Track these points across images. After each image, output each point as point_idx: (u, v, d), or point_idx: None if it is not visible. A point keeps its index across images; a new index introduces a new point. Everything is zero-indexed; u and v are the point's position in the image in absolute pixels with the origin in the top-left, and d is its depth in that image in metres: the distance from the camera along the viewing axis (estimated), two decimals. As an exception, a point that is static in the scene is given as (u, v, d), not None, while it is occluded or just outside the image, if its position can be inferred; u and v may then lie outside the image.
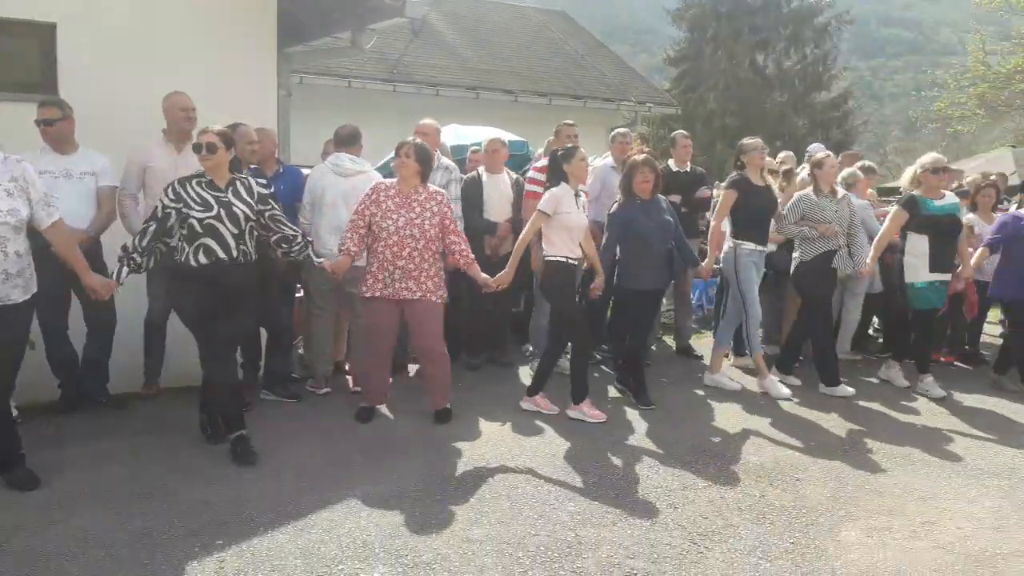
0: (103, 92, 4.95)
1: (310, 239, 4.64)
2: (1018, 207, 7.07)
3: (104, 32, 5.10)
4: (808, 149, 7.63)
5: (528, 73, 14.12)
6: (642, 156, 5.36)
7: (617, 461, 4.33)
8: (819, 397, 5.73)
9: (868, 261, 5.88)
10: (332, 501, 3.68)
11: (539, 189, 5.81)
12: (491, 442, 4.59)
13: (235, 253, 4.14)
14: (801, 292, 6.04)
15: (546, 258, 5.04)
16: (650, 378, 5.82)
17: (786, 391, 5.70)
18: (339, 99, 11.42)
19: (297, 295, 5.82)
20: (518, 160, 7.35)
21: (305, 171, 5.74)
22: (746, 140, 5.93)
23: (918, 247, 5.77)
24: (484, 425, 4.88)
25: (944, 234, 5.77)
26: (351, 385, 5.60)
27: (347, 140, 5.42)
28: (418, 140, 4.85)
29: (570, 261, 5.02)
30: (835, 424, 5.13)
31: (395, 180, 4.80)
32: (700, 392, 5.83)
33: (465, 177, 6.10)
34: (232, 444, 4.19)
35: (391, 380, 5.21)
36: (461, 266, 4.89)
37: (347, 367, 5.79)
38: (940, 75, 24.74)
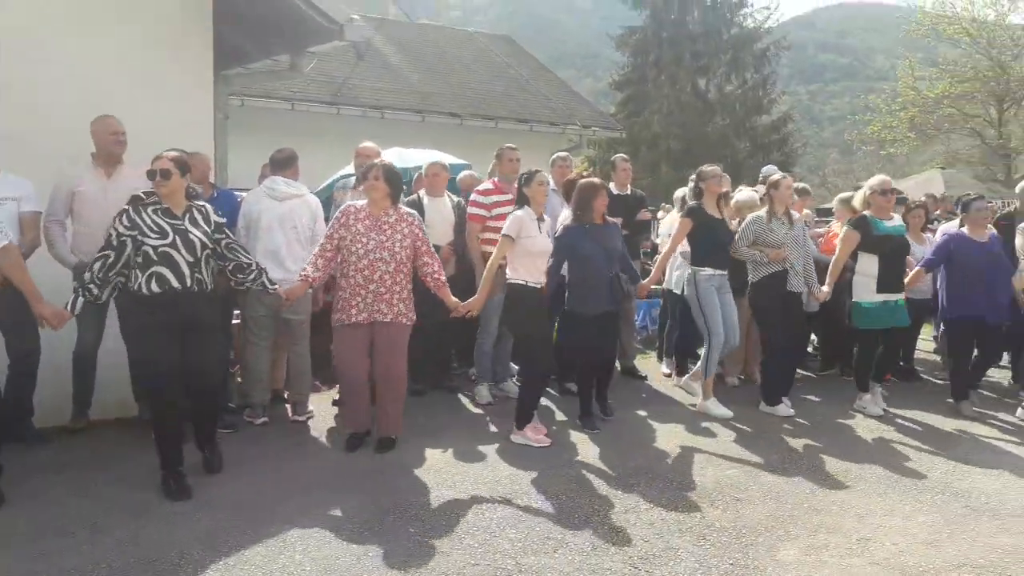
0: (28, 114, 4.79)
1: (264, 268, 4.55)
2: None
3: (30, 52, 4.95)
4: (763, 171, 7.78)
5: (474, 96, 14.17)
6: (597, 179, 5.45)
7: (560, 486, 4.29)
8: (760, 416, 5.80)
9: (824, 288, 5.95)
10: (266, 536, 3.57)
11: (482, 212, 5.83)
12: (433, 469, 4.51)
13: (189, 282, 4.05)
14: (753, 312, 6.16)
15: (509, 282, 5.03)
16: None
17: (725, 411, 5.74)
18: (282, 122, 11.29)
19: (234, 322, 5.69)
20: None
21: (242, 195, 5.64)
22: (705, 167, 6.01)
23: (867, 267, 5.89)
24: (427, 452, 4.80)
25: (893, 254, 5.90)
26: (290, 415, 5.47)
27: (283, 164, 5.35)
28: (387, 162, 4.81)
29: (529, 284, 5.01)
30: (775, 443, 5.18)
31: (365, 203, 4.74)
32: (643, 413, 5.85)
33: (406, 200, 6.06)
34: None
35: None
36: (433, 288, 4.83)
37: (286, 395, 5.66)
38: (872, 100, 25.70)
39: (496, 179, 6.00)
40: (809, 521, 3.92)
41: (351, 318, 4.65)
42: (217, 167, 6.22)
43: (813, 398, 6.42)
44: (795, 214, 6.12)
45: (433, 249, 4.88)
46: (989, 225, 6.35)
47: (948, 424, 5.72)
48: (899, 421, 5.80)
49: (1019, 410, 5.98)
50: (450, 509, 3.95)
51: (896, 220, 6.05)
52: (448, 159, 6.75)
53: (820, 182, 32.91)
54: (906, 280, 6.12)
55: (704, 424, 5.57)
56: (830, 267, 6.05)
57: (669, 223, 7.07)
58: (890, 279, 5.86)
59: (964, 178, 17.06)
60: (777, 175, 6.15)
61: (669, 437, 5.26)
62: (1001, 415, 6.02)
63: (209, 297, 4.21)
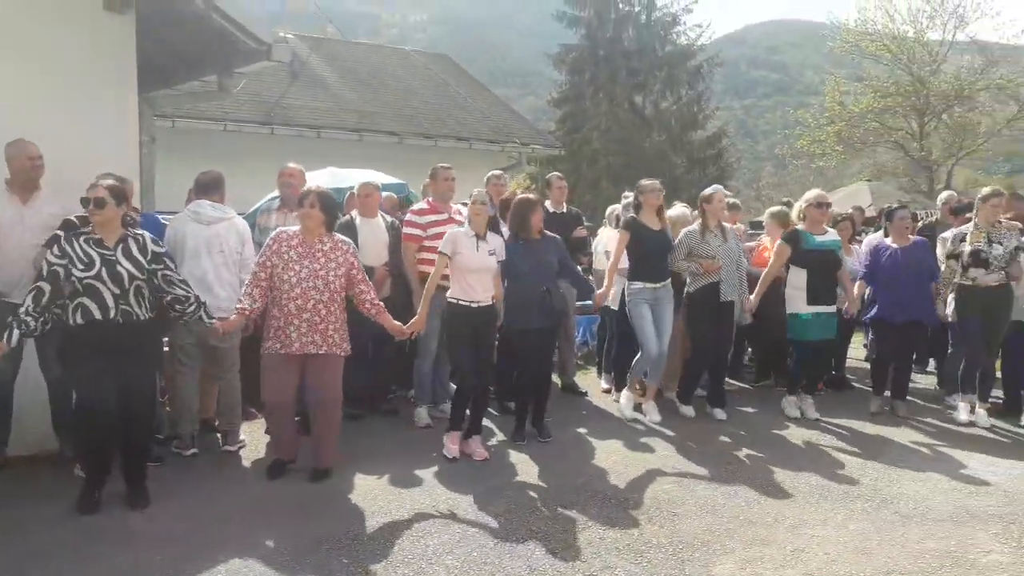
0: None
1: (204, 300, 4.42)
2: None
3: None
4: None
5: (412, 115, 14.12)
6: (534, 195, 5.55)
7: (498, 507, 4.25)
8: (698, 429, 5.86)
9: (752, 297, 6.18)
10: (194, 572, 3.44)
11: (417, 232, 5.78)
12: (369, 496, 4.42)
13: (113, 314, 3.97)
14: (686, 321, 6.30)
15: (447, 298, 5.10)
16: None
17: (632, 414, 6.09)
18: (214, 143, 11.05)
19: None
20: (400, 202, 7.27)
21: (168, 219, 5.48)
22: (644, 181, 6.14)
23: (798, 280, 6.07)
24: (364, 478, 4.71)
25: (823, 268, 6.06)
26: (221, 444, 5.31)
27: (208, 187, 5.21)
28: (323, 189, 4.69)
29: (461, 303, 5.02)
30: (712, 456, 5.23)
31: (298, 229, 4.62)
32: (583, 430, 5.84)
33: (339, 222, 5.98)
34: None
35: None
36: (372, 316, 4.74)
37: (216, 424, 5.49)
38: (801, 115, 26.51)
39: (431, 199, 5.96)
40: (744, 534, 3.96)
41: (283, 348, 4.53)
42: (143, 190, 6.05)
43: (749, 409, 6.52)
44: (728, 227, 6.27)
45: (365, 271, 4.80)
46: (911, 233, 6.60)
47: (878, 431, 5.87)
48: (831, 429, 5.92)
49: (964, 414, 6.12)
50: (386, 536, 3.87)
51: (830, 234, 6.24)
52: (383, 178, 6.69)
53: (756, 195, 33.72)
54: (853, 295, 6.31)
55: (643, 439, 5.60)
56: (760, 279, 6.23)
57: (605, 240, 7.13)
58: (820, 292, 6.04)
59: (890, 190, 17.66)
60: (709, 189, 6.29)
61: (608, 453, 5.27)
62: (928, 420, 6.20)
63: (138, 328, 4.10)
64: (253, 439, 5.48)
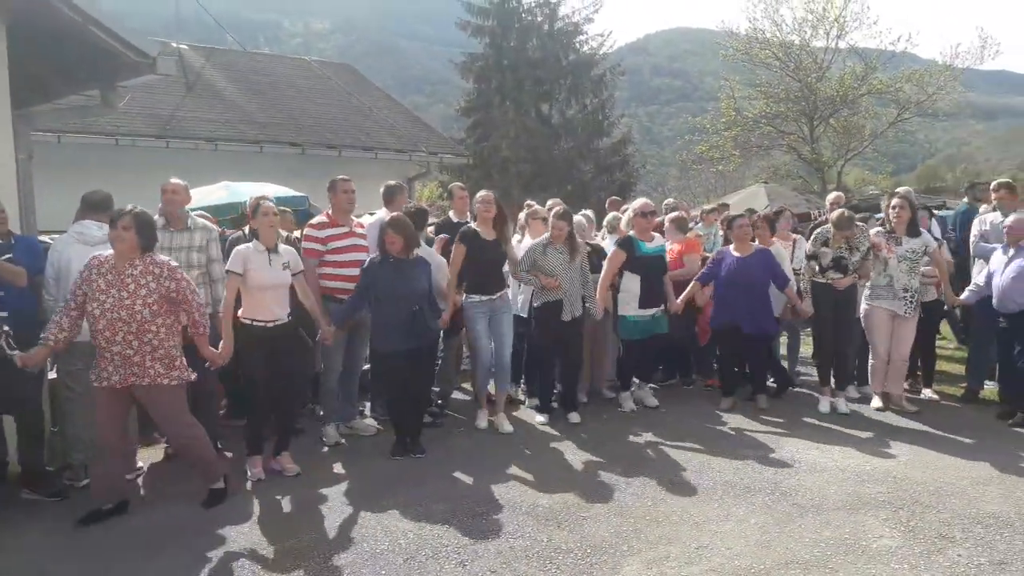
0: None
1: (7, 328, 4.16)
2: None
3: None
4: (664, 203, 8.19)
5: (315, 126, 13.87)
6: (390, 216, 5.36)
7: (406, 523, 4.20)
8: (605, 432, 5.92)
9: (598, 301, 6.23)
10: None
11: (317, 246, 5.65)
12: (266, 522, 4.29)
13: None
14: (529, 337, 6.40)
15: (240, 319, 4.81)
16: (445, 427, 5.93)
17: (482, 423, 6.03)
18: (106, 158, 10.60)
19: (51, 376, 5.21)
20: (300, 215, 7.13)
21: (54, 237, 5.20)
22: (482, 192, 6.11)
23: (631, 285, 6.26)
24: (264, 503, 4.56)
25: (653, 273, 6.30)
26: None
27: (97, 206, 4.97)
28: (140, 210, 4.29)
29: (256, 323, 4.81)
30: (620, 457, 5.31)
31: (110, 254, 4.26)
32: (493, 440, 5.84)
33: (231, 236, 5.82)
34: None
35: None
36: (193, 339, 4.47)
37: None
38: (699, 121, 27.45)
39: (330, 211, 5.84)
40: (651, 534, 4.03)
41: (102, 381, 4.21)
42: (21, 211, 5.72)
43: (661, 409, 6.62)
44: (581, 244, 6.21)
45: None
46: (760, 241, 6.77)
47: (777, 428, 6.06)
48: (730, 426, 6.09)
49: (841, 402, 6.42)
50: (290, 559, 3.76)
51: (657, 241, 6.46)
52: (281, 192, 6.53)
53: (663, 198, 34.63)
54: (682, 296, 6.51)
55: (552, 444, 5.64)
56: (599, 284, 6.32)
57: (522, 250, 7.02)
58: (651, 295, 6.29)
59: (785, 191, 18.40)
60: (551, 206, 6.42)
61: (517, 460, 5.27)
62: (824, 414, 6.44)
63: None
64: (153, 466, 5.25)
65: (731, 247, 6.62)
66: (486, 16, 25.70)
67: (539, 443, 5.68)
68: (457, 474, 5.00)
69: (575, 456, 5.38)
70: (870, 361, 6.57)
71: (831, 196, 8.73)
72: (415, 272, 5.32)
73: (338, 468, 5.17)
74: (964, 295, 6.55)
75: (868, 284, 6.42)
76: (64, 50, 5.51)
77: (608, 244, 7.05)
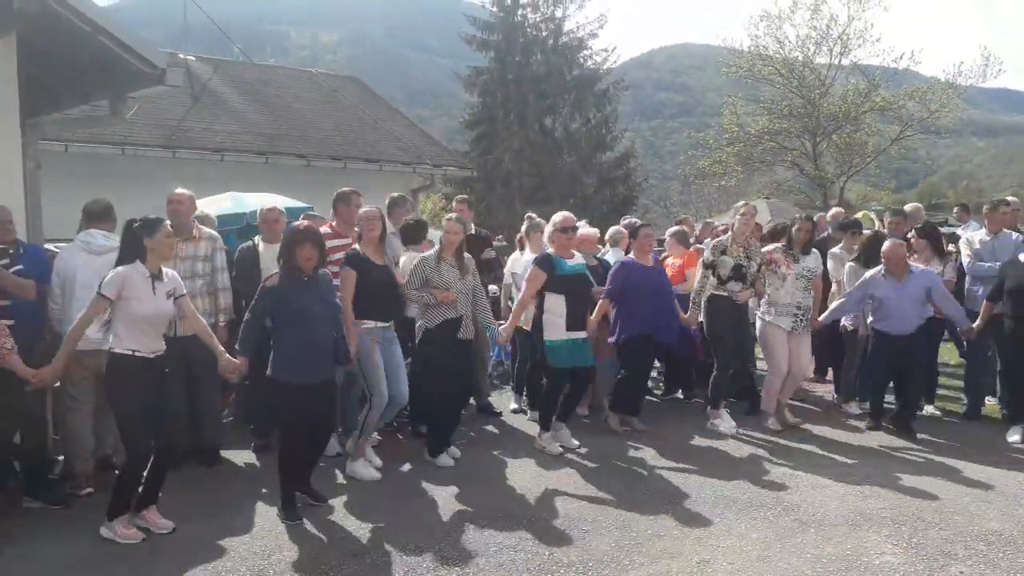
0: None
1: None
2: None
3: None
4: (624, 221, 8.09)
5: (321, 137, 13.94)
6: (303, 227, 4.71)
7: (409, 535, 4.20)
8: (610, 445, 5.90)
9: (508, 325, 5.96)
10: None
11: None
12: (260, 536, 4.29)
13: None
14: (423, 361, 5.63)
15: (111, 351, 4.13)
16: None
17: (373, 474, 5.19)
18: (113, 167, 10.65)
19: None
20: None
21: (60, 246, 5.24)
22: (364, 210, 5.49)
23: (556, 306, 5.70)
24: (252, 520, 4.54)
25: (577, 293, 5.77)
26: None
27: (99, 216, 5.00)
28: None
29: (138, 354, 4.10)
30: (622, 471, 5.32)
31: None
32: (496, 452, 5.84)
33: (241, 246, 5.85)
34: None
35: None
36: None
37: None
38: (701, 136, 27.61)
39: (334, 223, 5.87)
40: (653, 548, 4.03)
41: None
42: (28, 220, 5.76)
43: (659, 423, 6.59)
44: (469, 260, 5.71)
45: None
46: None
47: (778, 441, 6.04)
48: (735, 440, 6.08)
49: (724, 426, 6.26)
50: (291, 570, 3.76)
51: (577, 259, 5.93)
52: (287, 202, 6.56)
53: (665, 213, 34.74)
54: (594, 313, 6.14)
55: (552, 458, 5.63)
56: (515, 306, 6.09)
57: (523, 263, 6.88)
58: (577, 317, 5.76)
59: (787, 206, 18.55)
60: (446, 222, 5.76)
61: (520, 474, 5.28)
62: (825, 427, 6.42)
63: None
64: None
65: (631, 256, 6.42)
66: (491, 30, 25.91)
67: (539, 456, 5.67)
68: (458, 487, 4.99)
69: (578, 470, 5.37)
70: (767, 378, 6.47)
71: (831, 211, 8.77)
72: (329, 291, 4.71)
73: (338, 479, 5.16)
74: (822, 316, 6.56)
75: (764, 300, 6.40)
76: (74, 60, 5.57)
77: (611, 257, 7.07)
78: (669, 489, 4.92)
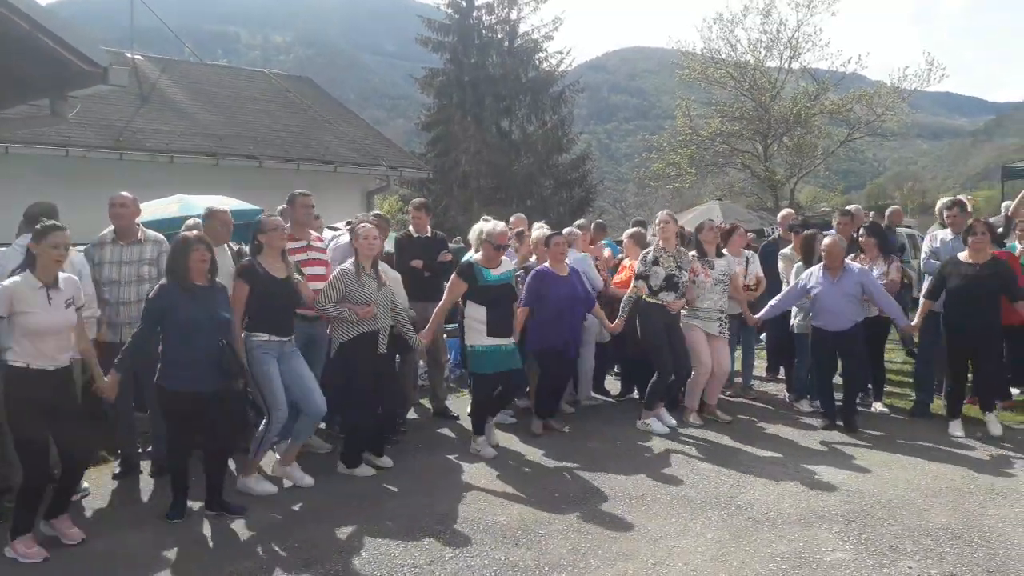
0: None
1: None
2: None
3: None
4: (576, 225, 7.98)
5: (273, 138, 13.72)
6: (194, 234, 4.63)
7: (365, 541, 4.14)
8: (564, 450, 5.90)
9: (426, 332, 5.82)
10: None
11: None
12: (219, 544, 4.19)
13: None
14: (336, 376, 5.33)
15: (6, 363, 3.97)
16: (402, 445, 5.80)
17: (269, 488, 4.97)
18: (56, 169, 10.32)
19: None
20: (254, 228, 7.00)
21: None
22: (264, 217, 5.36)
23: (477, 313, 5.75)
24: (209, 528, 4.44)
25: (499, 302, 5.76)
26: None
27: (40, 218, 4.82)
28: None
29: (32, 368, 3.95)
30: (578, 473, 5.31)
31: None
32: (452, 456, 5.79)
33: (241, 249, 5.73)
34: None
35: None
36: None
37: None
38: (656, 140, 27.92)
39: (288, 226, 5.75)
40: (609, 550, 4.03)
41: None
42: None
43: (613, 423, 6.62)
44: (385, 269, 5.59)
45: None
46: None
47: (732, 441, 6.09)
48: (689, 441, 6.11)
49: (658, 426, 6.33)
50: (243, 584, 3.69)
51: (503, 267, 5.91)
52: (234, 204, 6.42)
53: (621, 215, 35.02)
54: (515, 323, 5.98)
55: (510, 461, 5.61)
56: (433, 314, 5.93)
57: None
58: (499, 325, 5.74)
59: (739, 208, 18.78)
60: (363, 224, 5.51)
61: (475, 478, 5.24)
62: (778, 426, 6.50)
63: None
64: (99, 485, 5.10)
65: (547, 265, 6.23)
66: (446, 32, 25.85)
67: (495, 461, 5.64)
68: (414, 492, 4.94)
69: (533, 473, 5.36)
70: (692, 376, 6.51)
71: (781, 213, 8.91)
72: (217, 299, 4.60)
73: (290, 485, 5.06)
74: (761, 313, 6.78)
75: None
76: (11, 58, 5.37)
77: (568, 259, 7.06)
78: (625, 490, 4.92)
